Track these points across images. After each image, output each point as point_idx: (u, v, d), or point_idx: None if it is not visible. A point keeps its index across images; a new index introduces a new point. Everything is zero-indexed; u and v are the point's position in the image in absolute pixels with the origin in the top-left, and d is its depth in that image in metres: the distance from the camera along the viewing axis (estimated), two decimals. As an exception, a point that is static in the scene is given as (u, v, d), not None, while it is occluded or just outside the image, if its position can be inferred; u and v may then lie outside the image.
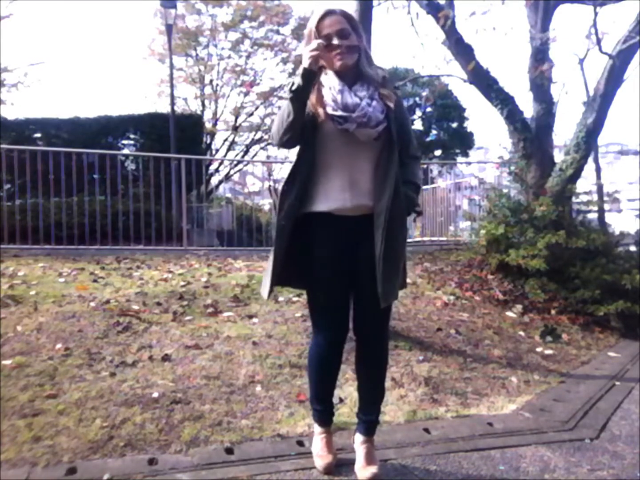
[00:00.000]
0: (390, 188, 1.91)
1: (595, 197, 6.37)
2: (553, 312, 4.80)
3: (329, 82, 1.92)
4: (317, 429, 2.13)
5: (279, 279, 1.99)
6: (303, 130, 1.89)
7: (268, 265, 2.00)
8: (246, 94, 15.30)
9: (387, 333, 2.12)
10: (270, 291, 1.98)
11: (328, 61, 1.91)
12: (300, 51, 14.29)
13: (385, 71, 2.01)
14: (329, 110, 1.89)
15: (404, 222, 2.01)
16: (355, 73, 1.94)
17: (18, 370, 2.75)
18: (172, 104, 10.97)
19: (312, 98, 1.90)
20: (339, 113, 1.87)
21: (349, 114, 1.86)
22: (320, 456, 2.06)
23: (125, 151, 10.64)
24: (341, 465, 2.06)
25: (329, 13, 1.89)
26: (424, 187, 9.85)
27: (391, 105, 1.93)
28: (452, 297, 4.72)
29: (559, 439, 2.48)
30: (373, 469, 1.97)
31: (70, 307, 3.67)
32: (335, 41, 1.87)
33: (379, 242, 1.89)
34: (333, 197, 1.92)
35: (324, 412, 2.11)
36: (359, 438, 2.08)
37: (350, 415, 2.44)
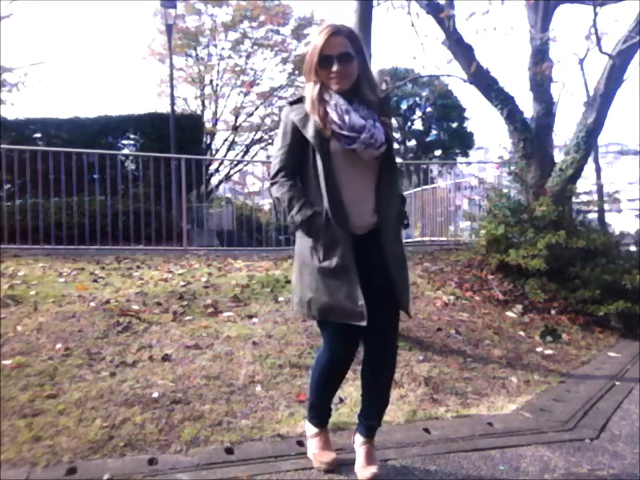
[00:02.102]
0: (396, 207, 2.02)
1: (595, 197, 6.36)
2: (553, 312, 4.80)
3: (334, 100, 1.92)
4: (314, 430, 2.13)
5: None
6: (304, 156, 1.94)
7: (303, 286, 1.98)
8: (246, 94, 15.30)
9: (397, 342, 2.12)
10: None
11: (325, 81, 1.93)
12: (301, 50, 14.24)
13: (383, 91, 2.07)
14: (335, 128, 1.89)
15: (400, 234, 2.14)
16: (352, 90, 1.95)
17: (18, 370, 2.75)
18: (172, 104, 10.97)
19: (317, 117, 1.90)
20: (346, 133, 1.88)
21: (357, 134, 1.88)
22: (322, 454, 2.07)
23: (125, 151, 10.64)
24: (341, 465, 2.07)
25: (335, 33, 1.89)
26: (424, 187, 9.90)
27: (390, 131, 1.99)
28: (452, 297, 4.72)
29: (559, 439, 2.48)
30: (373, 469, 1.97)
31: (70, 307, 3.67)
32: (335, 67, 1.89)
33: (393, 258, 1.95)
34: (340, 214, 1.91)
35: (321, 415, 2.13)
36: (359, 439, 2.08)
37: (350, 415, 2.44)
